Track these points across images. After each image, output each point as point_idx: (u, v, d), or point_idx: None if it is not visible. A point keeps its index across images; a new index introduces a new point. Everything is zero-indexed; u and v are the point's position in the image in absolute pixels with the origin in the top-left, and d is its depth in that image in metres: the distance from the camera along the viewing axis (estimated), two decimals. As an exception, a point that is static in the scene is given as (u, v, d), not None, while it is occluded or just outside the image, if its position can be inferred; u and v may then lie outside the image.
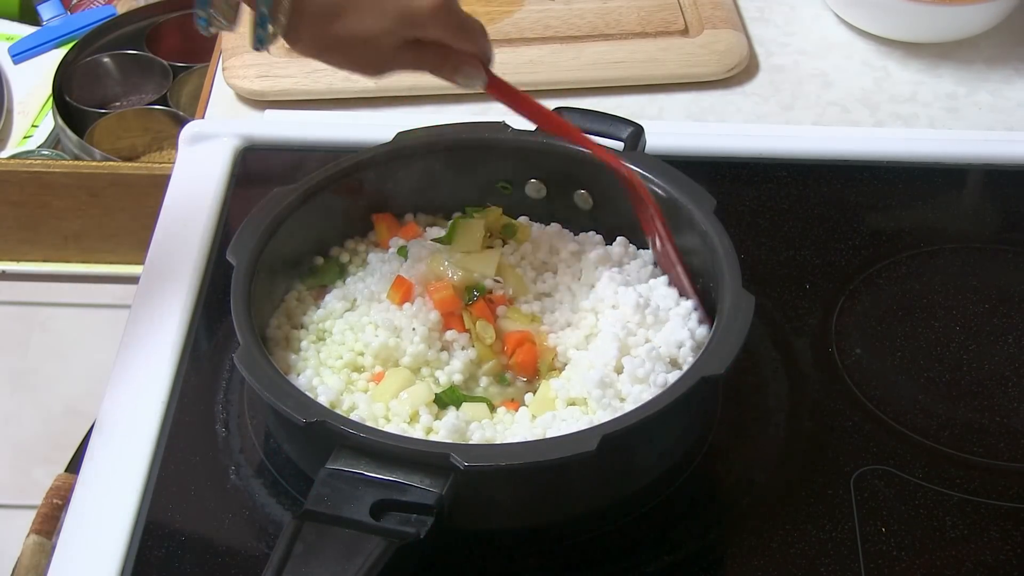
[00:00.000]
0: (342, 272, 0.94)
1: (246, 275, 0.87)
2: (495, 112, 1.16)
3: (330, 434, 0.77)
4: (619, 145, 0.95)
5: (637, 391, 0.84)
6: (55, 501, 1.07)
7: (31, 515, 1.07)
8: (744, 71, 1.22)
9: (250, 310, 0.85)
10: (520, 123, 0.96)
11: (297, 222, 0.92)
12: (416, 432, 0.83)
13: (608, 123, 0.97)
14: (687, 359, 0.86)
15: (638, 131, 0.96)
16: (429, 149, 0.96)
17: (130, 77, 1.60)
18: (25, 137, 1.54)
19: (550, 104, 1.16)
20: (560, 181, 0.97)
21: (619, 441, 0.77)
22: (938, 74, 1.22)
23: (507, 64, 1.17)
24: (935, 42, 1.24)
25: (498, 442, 0.83)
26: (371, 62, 0.86)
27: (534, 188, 0.97)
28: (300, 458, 0.86)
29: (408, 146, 0.96)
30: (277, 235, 0.90)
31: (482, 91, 0.89)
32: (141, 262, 1.02)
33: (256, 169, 1.11)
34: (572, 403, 0.85)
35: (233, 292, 0.86)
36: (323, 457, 0.77)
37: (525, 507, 0.83)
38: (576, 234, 0.97)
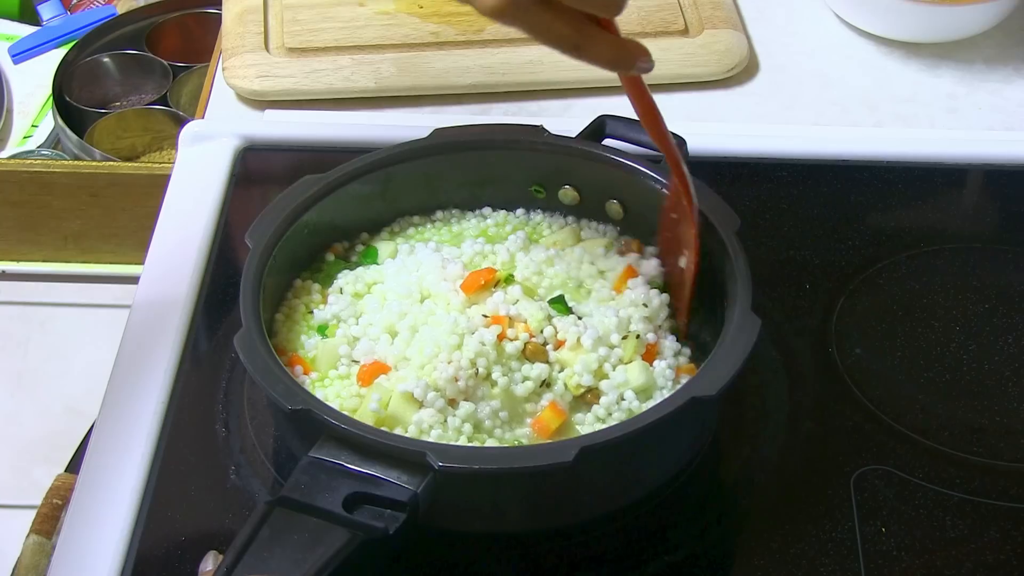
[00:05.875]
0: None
1: (261, 259, 0.87)
2: (494, 113, 1.16)
3: (314, 423, 0.77)
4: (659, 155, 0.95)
5: None
6: (55, 501, 1.07)
7: (31, 515, 1.07)
8: (744, 71, 1.22)
9: (258, 294, 0.85)
10: (559, 128, 0.96)
11: (319, 213, 0.92)
12: None
13: None
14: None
15: (679, 143, 0.95)
16: (466, 148, 0.96)
17: (130, 77, 1.60)
18: (25, 137, 1.54)
19: (552, 104, 1.18)
20: (594, 189, 0.96)
21: (600, 454, 0.77)
22: (938, 74, 1.22)
23: (507, 64, 1.18)
24: (935, 42, 1.24)
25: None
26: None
27: (567, 194, 0.97)
28: (292, 447, 0.87)
29: (445, 143, 0.96)
30: (297, 224, 0.91)
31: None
32: (141, 262, 1.02)
33: (256, 169, 1.11)
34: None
35: (245, 274, 0.86)
36: (310, 446, 0.78)
37: (522, 510, 0.83)
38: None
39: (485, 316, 0.86)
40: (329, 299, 0.91)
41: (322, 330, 0.89)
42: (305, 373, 0.87)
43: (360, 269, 0.93)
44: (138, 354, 0.95)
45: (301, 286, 0.92)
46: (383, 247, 0.95)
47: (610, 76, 1.18)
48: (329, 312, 0.90)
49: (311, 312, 0.91)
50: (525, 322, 0.87)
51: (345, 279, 0.92)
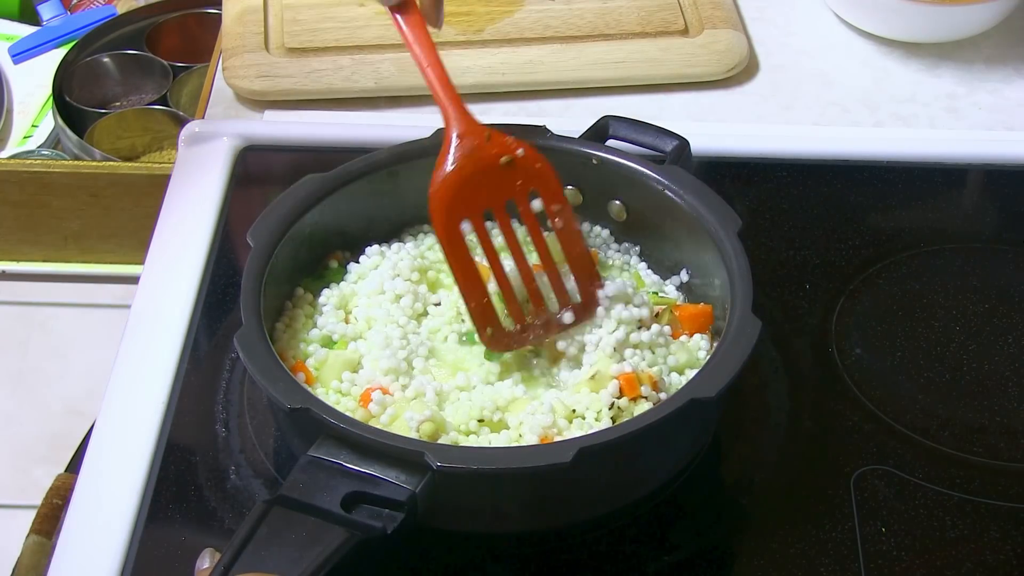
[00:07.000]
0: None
1: (262, 258, 0.87)
2: (494, 113, 1.16)
3: (314, 422, 0.78)
4: (662, 157, 0.95)
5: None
6: (55, 501, 1.07)
7: (31, 515, 1.07)
8: (744, 71, 1.22)
9: (259, 293, 0.85)
10: (559, 128, 0.96)
11: (322, 213, 0.92)
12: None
13: (654, 135, 0.97)
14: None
15: (683, 144, 0.96)
16: None
17: (130, 77, 1.60)
18: (25, 137, 1.54)
19: (552, 104, 1.18)
20: (596, 190, 0.96)
21: (598, 455, 0.77)
22: (938, 74, 1.22)
23: (507, 64, 1.18)
24: (935, 42, 1.24)
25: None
26: None
27: (570, 194, 0.96)
28: (292, 447, 0.87)
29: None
30: (300, 223, 0.90)
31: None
32: (141, 262, 1.02)
33: (256, 169, 1.11)
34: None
35: (246, 273, 0.86)
36: (309, 446, 0.78)
37: (522, 510, 0.83)
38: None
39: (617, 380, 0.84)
40: (317, 319, 0.91)
41: (327, 343, 0.89)
42: (308, 383, 0.86)
43: (343, 285, 0.93)
44: (138, 354, 0.95)
45: (302, 296, 0.92)
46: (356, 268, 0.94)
47: (607, 77, 1.19)
48: (327, 329, 0.90)
49: (316, 327, 0.90)
50: (650, 375, 0.85)
51: (328, 296, 0.92)
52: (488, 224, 0.89)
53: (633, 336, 0.87)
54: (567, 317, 0.88)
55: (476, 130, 0.88)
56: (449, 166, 0.87)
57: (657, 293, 0.93)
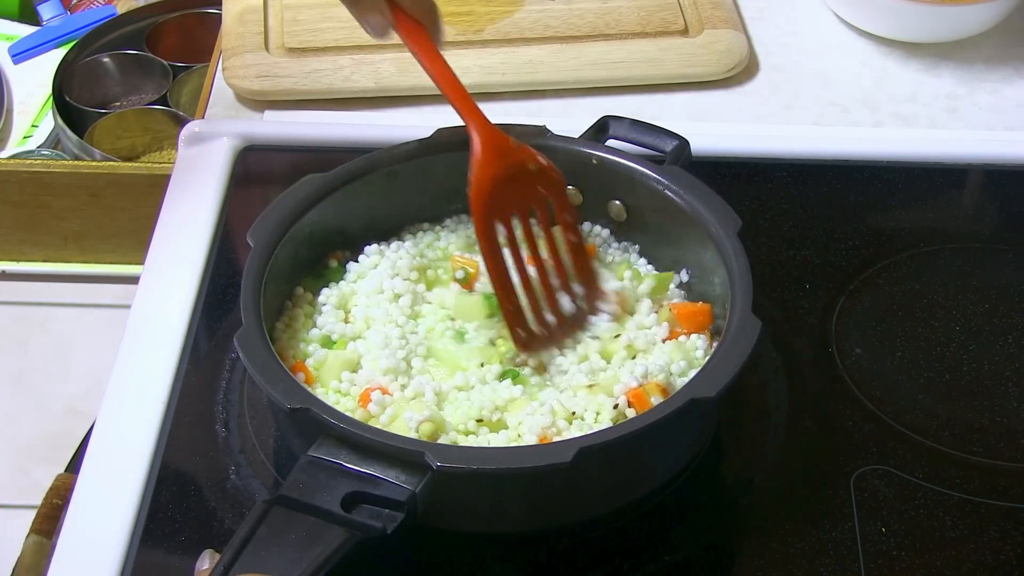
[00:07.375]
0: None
1: (262, 258, 0.87)
2: (494, 113, 1.16)
3: (314, 422, 0.78)
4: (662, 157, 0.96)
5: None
6: (55, 501, 1.07)
7: (31, 515, 1.07)
8: (744, 71, 1.22)
9: (259, 293, 0.85)
10: (559, 128, 0.96)
11: (322, 213, 0.92)
12: None
13: (653, 135, 0.97)
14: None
15: (683, 144, 0.96)
16: (467, 147, 0.96)
17: (130, 77, 1.60)
18: (25, 137, 1.54)
19: (552, 104, 1.18)
20: (596, 189, 0.96)
21: (598, 455, 0.77)
22: (938, 74, 1.22)
23: (507, 64, 1.18)
24: (935, 42, 1.24)
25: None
26: None
27: (571, 194, 0.96)
28: (292, 447, 0.87)
29: (448, 142, 0.95)
30: (300, 223, 0.90)
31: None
32: (141, 262, 1.02)
33: (256, 169, 1.11)
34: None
35: (246, 273, 0.86)
36: (309, 446, 0.78)
37: (522, 510, 0.83)
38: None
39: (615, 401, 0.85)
40: (317, 319, 0.91)
41: (327, 343, 0.89)
42: (308, 383, 0.86)
43: (342, 284, 0.93)
44: (138, 354, 0.95)
45: (301, 295, 0.92)
46: (354, 268, 0.94)
47: (607, 77, 1.20)
48: (326, 328, 0.90)
49: (315, 326, 0.90)
50: (657, 383, 0.85)
51: (327, 295, 0.92)
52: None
53: (631, 339, 0.88)
54: (592, 318, 0.90)
55: (503, 136, 0.90)
56: (489, 166, 0.89)
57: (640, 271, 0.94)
